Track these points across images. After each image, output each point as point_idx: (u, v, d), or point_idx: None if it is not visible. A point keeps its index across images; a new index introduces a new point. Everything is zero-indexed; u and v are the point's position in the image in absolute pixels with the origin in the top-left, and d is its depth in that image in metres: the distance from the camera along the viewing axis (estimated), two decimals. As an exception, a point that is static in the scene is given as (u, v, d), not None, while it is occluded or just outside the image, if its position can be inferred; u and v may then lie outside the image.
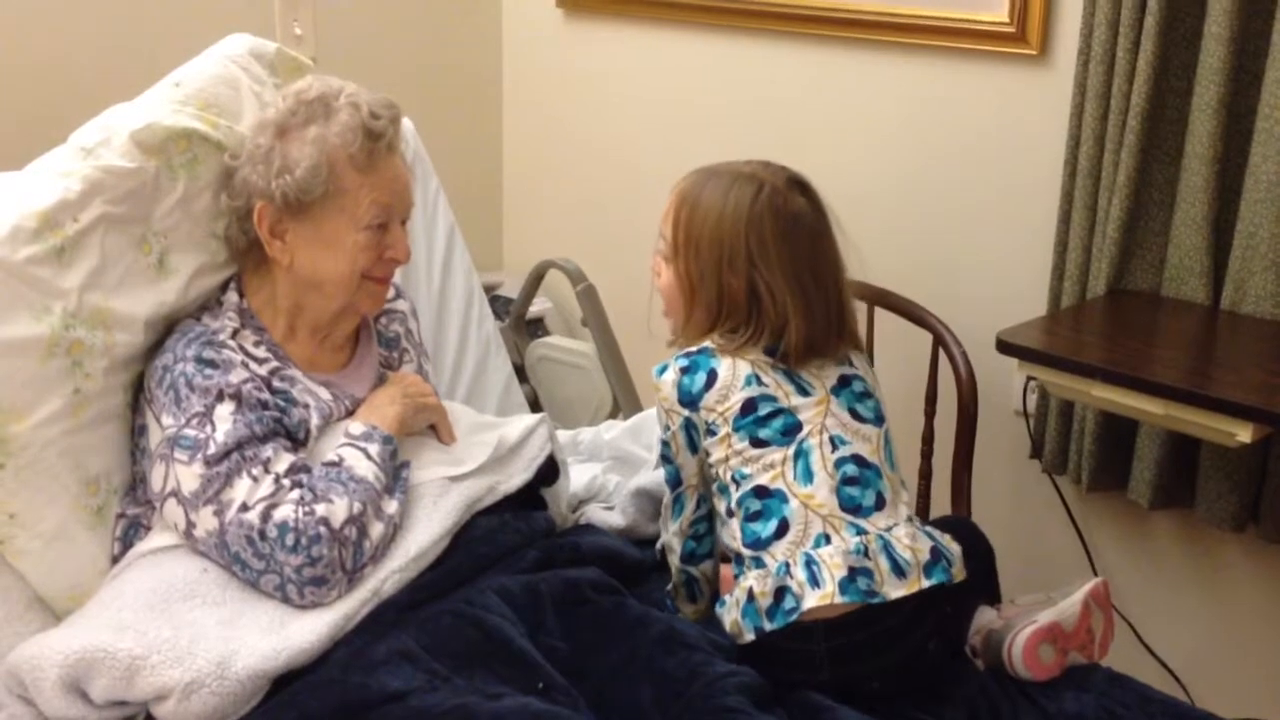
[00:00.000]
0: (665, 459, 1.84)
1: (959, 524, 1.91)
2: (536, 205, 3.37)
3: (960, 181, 2.53)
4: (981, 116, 2.48)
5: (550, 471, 2.01)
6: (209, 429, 1.72)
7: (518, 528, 1.88)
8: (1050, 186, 2.36)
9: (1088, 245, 2.28)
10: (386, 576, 1.72)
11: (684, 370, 1.77)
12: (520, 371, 2.65)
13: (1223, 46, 2.06)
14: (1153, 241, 2.24)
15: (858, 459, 1.74)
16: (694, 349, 1.79)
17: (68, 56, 2.54)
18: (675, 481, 1.84)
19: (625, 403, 2.54)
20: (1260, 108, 2.07)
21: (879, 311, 2.46)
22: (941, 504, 2.34)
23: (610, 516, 2.07)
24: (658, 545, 1.99)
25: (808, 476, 1.72)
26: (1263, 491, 2.19)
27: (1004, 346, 2.09)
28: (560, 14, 3.17)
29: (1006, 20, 2.38)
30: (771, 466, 1.73)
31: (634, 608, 1.77)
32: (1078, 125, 2.27)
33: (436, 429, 1.96)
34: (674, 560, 1.89)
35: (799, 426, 1.74)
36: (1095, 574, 2.46)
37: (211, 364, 1.78)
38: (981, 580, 1.84)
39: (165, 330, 1.87)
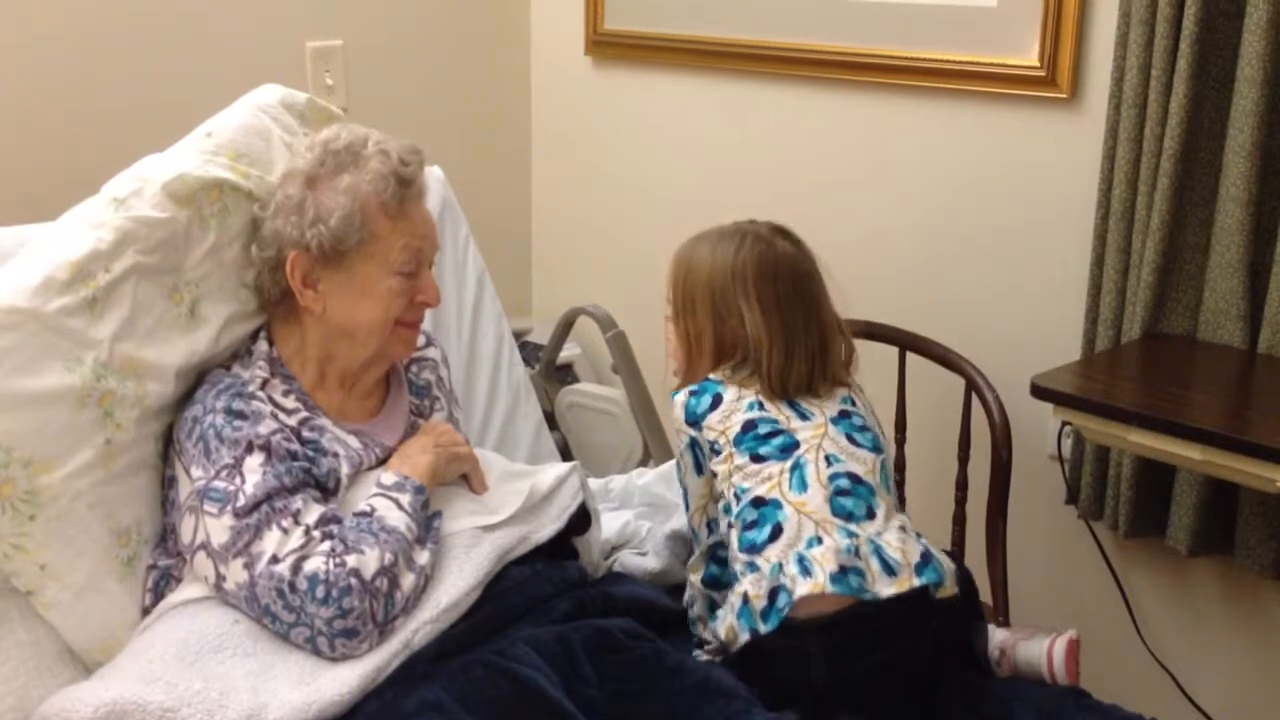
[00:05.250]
0: (680, 481, 1.94)
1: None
2: (566, 252, 3.37)
3: (992, 225, 2.52)
4: (1013, 160, 2.47)
5: (582, 520, 2.00)
6: (238, 481, 1.72)
7: (549, 578, 1.87)
8: (1083, 230, 2.35)
9: (1122, 289, 2.27)
10: (418, 628, 1.71)
11: (692, 393, 1.88)
12: (550, 419, 2.65)
13: (1256, 89, 2.05)
14: (1188, 285, 2.22)
15: (851, 475, 1.81)
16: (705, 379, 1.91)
17: (100, 107, 2.56)
18: (686, 505, 1.93)
19: (656, 449, 2.53)
20: (1295, 149, 2.06)
21: (910, 356, 2.44)
22: (976, 550, 2.31)
23: (644, 561, 2.06)
24: (685, 597, 1.97)
25: (802, 486, 1.78)
26: (1304, 538, 2.16)
27: (1039, 391, 2.07)
28: (589, 61, 3.18)
29: (1037, 64, 2.38)
30: (769, 479, 1.79)
31: (670, 655, 1.75)
32: (1110, 168, 2.25)
33: (468, 478, 1.95)
34: (695, 581, 1.91)
35: (796, 445, 1.82)
36: (1134, 621, 2.44)
37: (240, 415, 1.78)
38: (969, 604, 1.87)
39: (196, 380, 1.88)
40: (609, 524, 2.14)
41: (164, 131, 2.02)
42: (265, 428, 1.77)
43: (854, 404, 1.90)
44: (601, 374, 3.04)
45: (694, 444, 1.87)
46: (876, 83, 2.63)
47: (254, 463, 1.73)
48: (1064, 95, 2.36)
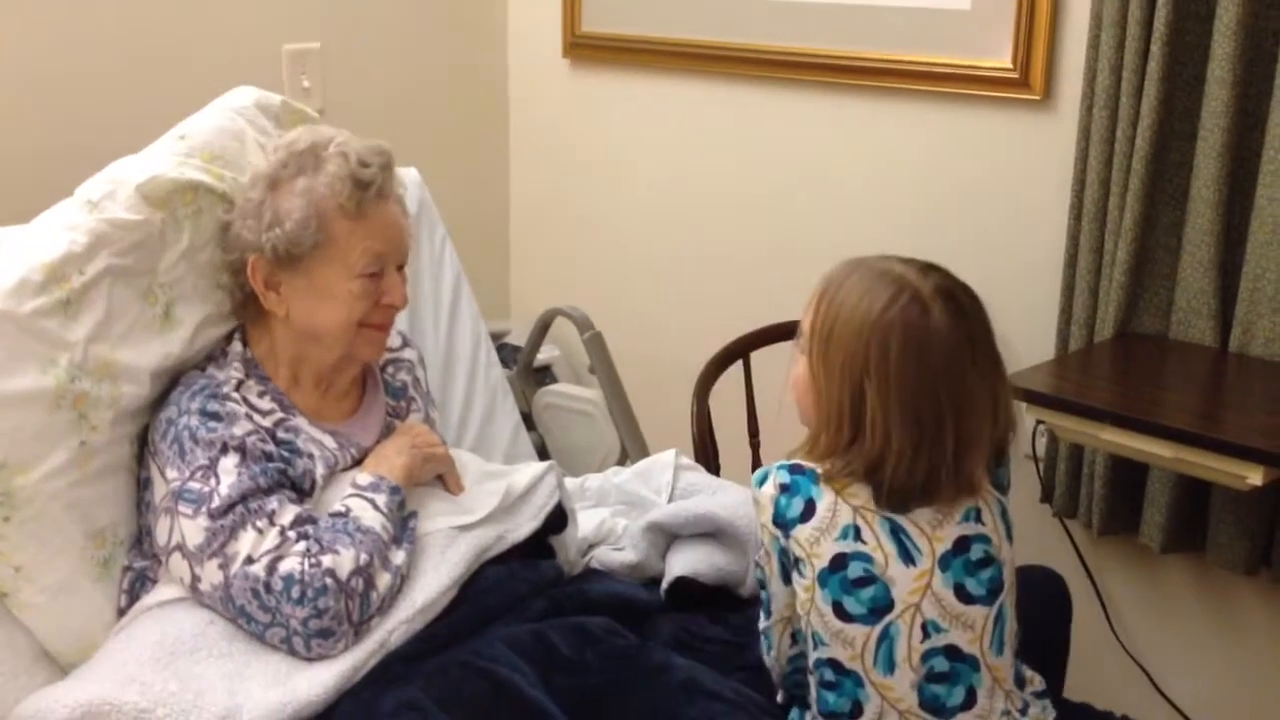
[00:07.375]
0: (760, 583, 1.70)
1: (1044, 577, 1.96)
2: (543, 253, 3.37)
3: (965, 226, 2.53)
4: (986, 161, 2.49)
5: (558, 520, 2.00)
6: (213, 482, 1.72)
7: (526, 577, 1.87)
8: (1056, 231, 2.36)
9: (1094, 289, 2.28)
10: (394, 628, 1.71)
11: (783, 488, 1.60)
12: (528, 419, 2.65)
13: (1226, 90, 2.07)
14: (1160, 285, 2.24)
15: (951, 650, 1.56)
16: (799, 466, 1.61)
17: (74, 110, 2.56)
18: (767, 611, 1.69)
19: (633, 450, 2.54)
20: (1265, 150, 2.07)
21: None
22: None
23: (621, 554, 2.05)
24: (663, 586, 1.97)
25: (889, 666, 1.55)
26: (1274, 535, 2.18)
27: (1013, 390, 2.08)
28: (566, 63, 3.19)
29: (1010, 66, 2.39)
30: (851, 644, 1.56)
31: (656, 652, 1.75)
32: (1082, 169, 2.27)
33: (444, 479, 1.95)
34: (774, 673, 1.74)
35: (890, 606, 1.55)
36: (1108, 617, 2.45)
37: (215, 416, 1.78)
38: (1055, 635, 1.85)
39: (171, 381, 1.87)
40: (585, 521, 2.14)
41: (138, 133, 2.02)
42: (240, 429, 1.77)
43: (978, 520, 1.58)
44: (579, 375, 3.04)
45: (782, 550, 1.60)
46: (850, 84, 2.64)
47: (229, 464, 1.73)
48: (1036, 97, 2.37)
